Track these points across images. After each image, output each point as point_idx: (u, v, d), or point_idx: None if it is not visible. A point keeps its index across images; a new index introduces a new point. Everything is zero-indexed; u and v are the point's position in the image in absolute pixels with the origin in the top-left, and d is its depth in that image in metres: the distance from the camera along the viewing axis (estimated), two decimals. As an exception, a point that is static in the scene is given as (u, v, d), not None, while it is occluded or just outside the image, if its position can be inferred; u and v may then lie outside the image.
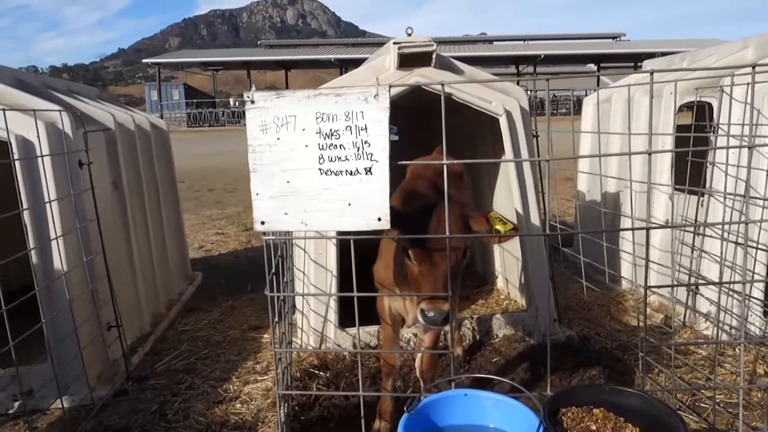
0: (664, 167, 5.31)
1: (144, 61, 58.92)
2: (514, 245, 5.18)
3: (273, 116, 2.30)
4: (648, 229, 2.54)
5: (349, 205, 2.30)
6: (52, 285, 4.05)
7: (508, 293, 5.76)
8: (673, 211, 4.51)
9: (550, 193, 5.41)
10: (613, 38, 64.38)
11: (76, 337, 4.00)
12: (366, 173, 2.27)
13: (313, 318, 4.61)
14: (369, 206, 2.29)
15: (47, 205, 4.02)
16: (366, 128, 2.24)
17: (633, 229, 4.02)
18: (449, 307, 2.47)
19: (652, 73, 2.46)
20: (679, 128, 5.38)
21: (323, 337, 4.62)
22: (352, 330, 4.56)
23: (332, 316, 4.58)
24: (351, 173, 2.28)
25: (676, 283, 4.91)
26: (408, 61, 4.52)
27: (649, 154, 2.49)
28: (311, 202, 2.32)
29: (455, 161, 3.10)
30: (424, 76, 4.56)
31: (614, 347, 4.53)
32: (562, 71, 50.50)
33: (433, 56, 4.51)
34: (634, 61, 47.60)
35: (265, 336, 5.18)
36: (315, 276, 4.59)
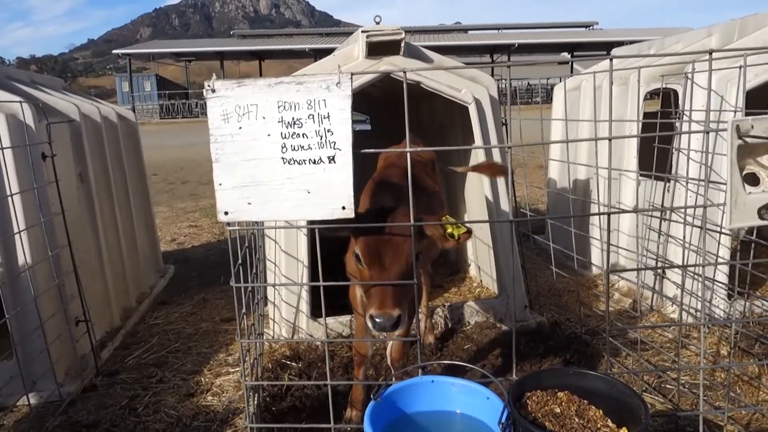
0: (631, 154, 5.39)
1: (114, 51, 57.90)
2: (485, 233, 5.21)
3: (234, 105, 2.27)
4: (609, 214, 2.57)
5: (313, 194, 2.29)
6: (16, 280, 3.97)
7: (481, 281, 5.81)
8: (637, 196, 4.57)
9: (524, 181, 5.47)
10: (586, 27, 64.96)
11: (42, 333, 3.93)
12: (329, 162, 2.26)
13: (285, 308, 4.60)
14: (333, 195, 2.28)
15: (9, 198, 3.94)
16: (329, 116, 2.23)
17: (599, 214, 4.07)
18: (399, 312, 2.45)
19: (611, 59, 2.49)
20: (648, 115, 5.46)
21: (295, 327, 4.61)
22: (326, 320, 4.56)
23: (304, 306, 4.57)
24: (314, 162, 2.27)
25: (642, 267, 5.00)
26: (377, 49, 4.50)
27: (609, 140, 2.52)
28: (275, 192, 2.31)
29: (420, 149, 3.10)
30: (393, 65, 4.54)
31: (583, 332, 4.60)
32: (536, 60, 50.83)
33: (402, 44, 4.50)
34: (606, 49, 47.96)
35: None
36: (286, 266, 4.57)
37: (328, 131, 2.24)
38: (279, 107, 2.25)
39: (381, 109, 8.32)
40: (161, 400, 3.96)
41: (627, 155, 5.46)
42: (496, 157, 4.81)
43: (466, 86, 4.67)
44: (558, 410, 2.26)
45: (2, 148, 3.89)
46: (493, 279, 5.33)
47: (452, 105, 4.83)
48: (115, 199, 5.75)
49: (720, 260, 4.27)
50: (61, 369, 4.23)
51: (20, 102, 4.04)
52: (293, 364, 4.21)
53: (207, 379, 4.23)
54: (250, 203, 2.33)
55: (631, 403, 2.19)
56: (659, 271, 4.73)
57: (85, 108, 5.32)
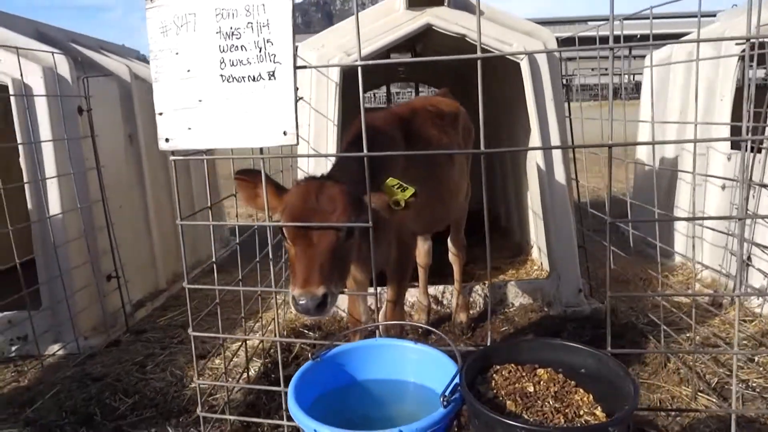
0: (722, 120, 4.62)
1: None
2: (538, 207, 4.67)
3: (173, 15, 2.02)
4: (693, 220, 2.06)
5: (252, 116, 1.98)
6: (45, 229, 4.01)
7: (542, 263, 5.24)
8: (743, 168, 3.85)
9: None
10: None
11: (62, 284, 3.92)
12: (269, 78, 1.94)
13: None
14: (273, 117, 1.96)
15: (41, 147, 3.99)
16: (268, 24, 1.91)
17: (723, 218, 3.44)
18: (325, 291, 2.08)
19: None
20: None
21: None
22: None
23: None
24: (253, 79, 1.96)
25: (729, 255, 4.26)
26: (419, -1, 4.12)
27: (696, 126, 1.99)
28: (214, 115, 2.03)
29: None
30: (437, 17, 4.14)
31: (644, 322, 3.96)
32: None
33: (446, -9, 4.08)
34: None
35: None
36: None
37: (267, 42, 1.92)
38: (217, 15, 1.97)
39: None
40: (173, 360, 3.85)
41: (716, 125, 4.70)
42: (551, 121, 4.26)
43: (519, 40, 4.16)
44: (531, 389, 1.80)
45: (24, 95, 3.93)
46: (550, 260, 4.78)
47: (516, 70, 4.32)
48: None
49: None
50: (88, 323, 4.24)
51: (52, 53, 4.05)
52: (310, 333, 3.95)
53: (225, 343, 4.07)
54: (190, 128, 2.07)
55: (622, 387, 1.70)
56: (744, 257, 3.98)
57: (138, 70, 5.35)
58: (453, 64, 6.52)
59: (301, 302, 2.05)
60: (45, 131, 4.02)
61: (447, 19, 4.12)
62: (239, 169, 2.39)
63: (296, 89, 1.93)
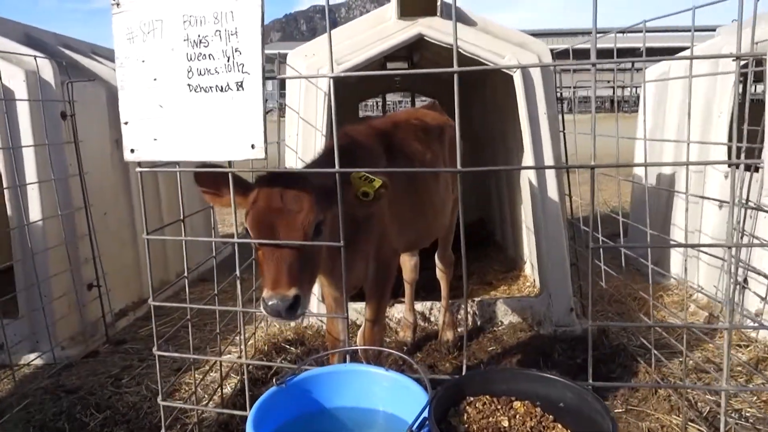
0: (719, 138, 4.53)
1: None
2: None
3: (139, 21, 1.93)
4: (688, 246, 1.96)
5: (220, 128, 1.89)
6: (24, 237, 3.92)
7: (534, 280, 5.13)
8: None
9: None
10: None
11: (39, 292, 3.83)
12: (237, 88, 1.85)
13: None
14: (241, 130, 1.87)
15: (22, 152, 3.90)
16: (236, 32, 1.82)
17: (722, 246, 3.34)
18: (297, 292, 1.99)
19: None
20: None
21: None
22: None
23: (316, 288, 4.18)
24: (221, 89, 1.87)
25: (726, 277, 4.15)
26: (410, 7, 4.04)
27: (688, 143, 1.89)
28: (180, 126, 1.94)
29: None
30: (429, 27, 4.06)
31: (636, 344, 3.85)
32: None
33: (438, 3, 4.00)
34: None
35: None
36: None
37: (236, 51, 1.83)
38: (184, 22, 1.88)
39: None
40: (150, 374, 3.74)
41: (715, 140, 4.60)
42: (544, 134, 4.17)
43: (512, 52, 4.08)
44: (506, 424, 1.70)
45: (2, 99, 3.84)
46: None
47: (500, 74, 4.25)
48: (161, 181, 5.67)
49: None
50: (66, 332, 4.13)
51: (34, 56, 3.96)
52: (292, 348, 3.85)
53: (204, 356, 3.96)
54: (155, 139, 1.98)
55: (601, 423, 1.59)
56: (740, 280, 3.87)
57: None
58: (448, 75, 6.43)
59: (270, 304, 1.95)
60: (26, 136, 3.93)
61: (439, 30, 4.04)
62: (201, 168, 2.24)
63: (265, 101, 1.84)
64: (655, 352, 3.20)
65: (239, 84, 1.84)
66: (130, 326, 4.68)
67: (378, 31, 4.13)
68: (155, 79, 1.94)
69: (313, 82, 4.05)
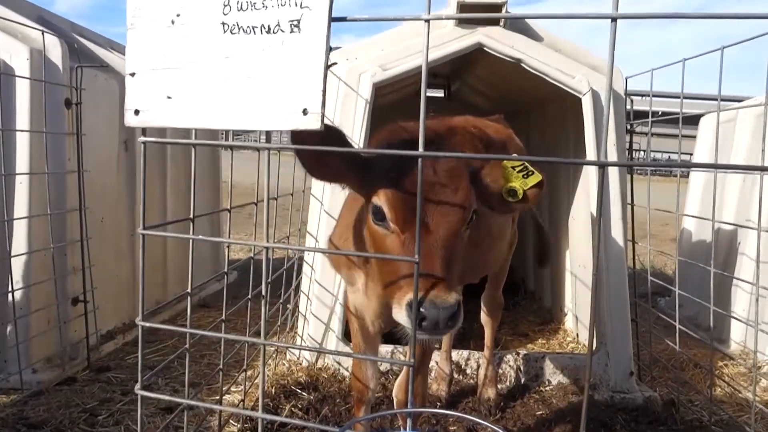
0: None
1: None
2: (588, 272, 4.01)
3: (164, -63, 1.42)
4: None
5: (258, 84, 1.36)
6: (3, 234, 3.37)
7: (577, 335, 4.53)
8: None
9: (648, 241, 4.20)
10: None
11: (13, 300, 3.26)
12: (291, 29, 1.33)
13: (313, 325, 3.66)
14: (291, 89, 1.34)
15: (15, 137, 3.39)
16: (298, -49, 1.31)
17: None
18: (457, 297, 1.47)
19: None
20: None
21: (322, 348, 3.65)
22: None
23: (336, 324, 3.60)
24: (269, 30, 1.35)
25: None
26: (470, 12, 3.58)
27: None
28: (206, 81, 1.41)
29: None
30: (490, 37, 3.59)
31: (712, 422, 3.23)
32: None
33: (504, 11, 3.54)
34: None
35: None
36: (321, 272, 3.65)
37: (294, -23, 1.31)
38: (226, -62, 1.37)
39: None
40: (132, 410, 3.13)
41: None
42: (612, 171, 3.65)
43: (583, 72, 3.59)
44: None
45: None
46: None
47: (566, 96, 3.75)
48: (168, 182, 5.16)
49: None
50: (41, 353, 3.54)
51: (42, 31, 3.50)
52: (304, 393, 3.23)
53: (198, 396, 3.36)
54: (170, 97, 1.44)
55: None
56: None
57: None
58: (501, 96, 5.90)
59: (430, 313, 1.41)
60: (23, 120, 3.44)
61: (500, 41, 3.57)
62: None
63: (329, 50, 1.31)
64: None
65: (294, 24, 1.32)
66: (116, 351, 4.08)
67: (431, 38, 3.65)
68: (178, 15, 1.42)
69: (354, 88, 3.55)
